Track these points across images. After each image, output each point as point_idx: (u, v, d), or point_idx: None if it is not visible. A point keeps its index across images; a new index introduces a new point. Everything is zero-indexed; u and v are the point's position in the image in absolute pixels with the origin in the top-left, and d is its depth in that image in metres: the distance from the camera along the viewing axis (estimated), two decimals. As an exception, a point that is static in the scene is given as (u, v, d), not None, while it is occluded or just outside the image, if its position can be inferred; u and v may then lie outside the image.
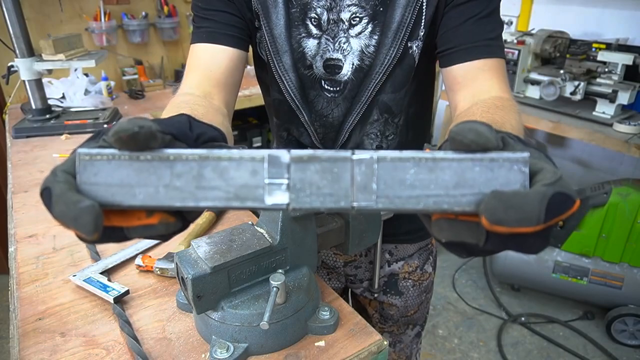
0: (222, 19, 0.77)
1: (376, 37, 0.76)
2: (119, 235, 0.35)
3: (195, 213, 0.39)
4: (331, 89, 0.81)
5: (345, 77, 0.79)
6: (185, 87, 0.75)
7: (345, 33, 0.77)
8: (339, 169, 0.32)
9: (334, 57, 0.78)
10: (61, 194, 0.31)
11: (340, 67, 0.78)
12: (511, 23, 2.65)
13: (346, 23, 0.76)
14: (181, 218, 0.37)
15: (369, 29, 0.76)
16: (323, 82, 0.81)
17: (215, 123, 0.52)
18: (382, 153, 0.32)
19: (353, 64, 0.78)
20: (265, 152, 0.33)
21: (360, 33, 0.76)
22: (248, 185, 0.33)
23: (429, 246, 1.03)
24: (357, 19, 0.75)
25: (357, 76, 0.79)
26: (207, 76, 0.76)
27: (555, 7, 2.46)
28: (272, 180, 0.33)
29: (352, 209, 0.33)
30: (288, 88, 0.82)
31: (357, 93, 0.80)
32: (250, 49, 0.84)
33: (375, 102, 0.81)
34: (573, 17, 2.38)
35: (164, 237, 0.38)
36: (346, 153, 0.33)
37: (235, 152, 0.33)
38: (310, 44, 0.78)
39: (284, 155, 0.33)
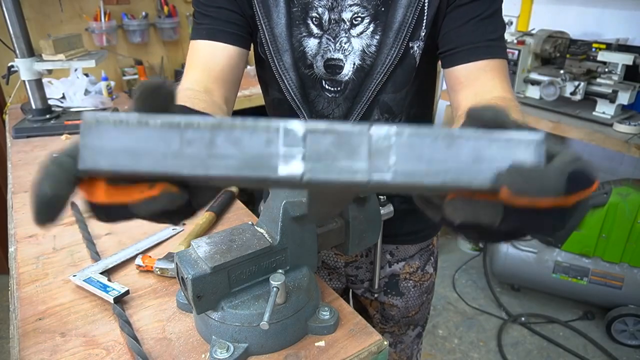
0: (222, 15, 0.77)
1: (378, 37, 0.76)
2: (123, 213, 0.34)
3: (204, 193, 0.37)
4: (332, 89, 0.81)
5: (346, 77, 0.79)
6: (185, 82, 0.75)
7: (346, 33, 0.76)
8: (355, 142, 0.31)
9: (334, 57, 0.78)
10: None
11: (341, 67, 0.78)
12: (511, 23, 2.65)
13: (347, 23, 0.76)
14: (187, 192, 0.35)
15: (371, 28, 0.76)
16: (324, 82, 0.81)
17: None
18: (400, 127, 0.31)
19: (354, 64, 0.78)
20: (280, 122, 0.32)
21: (361, 33, 0.76)
22: (262, 154, 0.31)
23: (430, 247, 1.03)
24: (359, 18, 0.75)
25: (358, 76, 0.79)
26: (207, 73, 0.76)
27: (555, 7, 2.46)
28: (287, 150, 0.31)
29: (368, 183, 0.31)
30: (288, 87, 0.82)
31: (357, 93, 0.80)
32: (252, 46, 0.84)
33: (376, 102, 0.81)
34: (573, 17, 2.38)
35: (171, 217, 0.35)
36: (363, 127, 0.31)
37: (250, 121, 0.32)
38: (311, 44, 0.78)
39: (300, 125, 0.31)
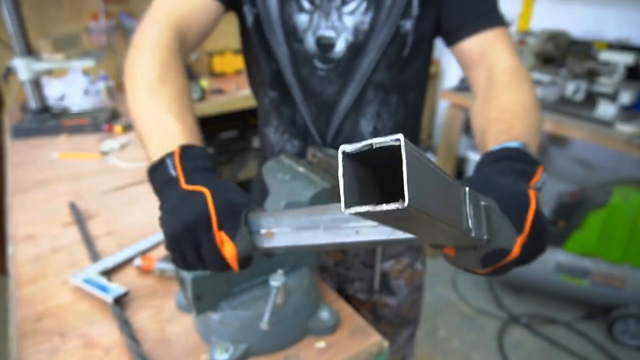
0: None
1: (370, 14, 0.78)
2: None
3: None
4: (324, 66, 0.82)
5: (339, 55, 0.80)
6: (156, 34, 0.69)
7: (338, 10, 0.78)
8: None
9: (326, 34, 0.79)
10: None
11: (333, 45, 0.80)
12: (512, 23, 2.65)
13: (338, 1, 0.77)
14: None
15: (363, 6, 0.77)
16: (316, 59, 0.81)
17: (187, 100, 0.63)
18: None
19: (347, 41, 0.79)
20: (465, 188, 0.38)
21: (354, 10, 0.78)
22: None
23: None
24: None
25: (351, 52, 0.80)
26: (178, 23, 0.72)
27: (556, 7, 2.45)
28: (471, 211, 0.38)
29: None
30: (282, 61, 0.83)
31: (350, 70, 0.82)
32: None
33: (370, 82, 0.82)
34: (574, 17, 2.37)
35: None
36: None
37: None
38: (302, 18, 0.79)
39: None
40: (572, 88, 2.05)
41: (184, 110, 0.62)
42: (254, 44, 0.85)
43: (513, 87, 0.69)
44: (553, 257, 2.12)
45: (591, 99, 2.05)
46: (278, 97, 0.88)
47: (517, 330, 2.18)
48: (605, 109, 2.00)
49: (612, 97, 1.97)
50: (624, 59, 1.93)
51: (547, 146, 2.67)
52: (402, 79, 0.84)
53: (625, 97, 1.93)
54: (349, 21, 0.78)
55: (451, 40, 0.80)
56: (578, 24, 2.34)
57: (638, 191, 1.93)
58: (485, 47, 0.76)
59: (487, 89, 0.72)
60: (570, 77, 2.05)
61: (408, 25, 0.79)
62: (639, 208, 1.92)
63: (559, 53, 2.21)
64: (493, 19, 0.77)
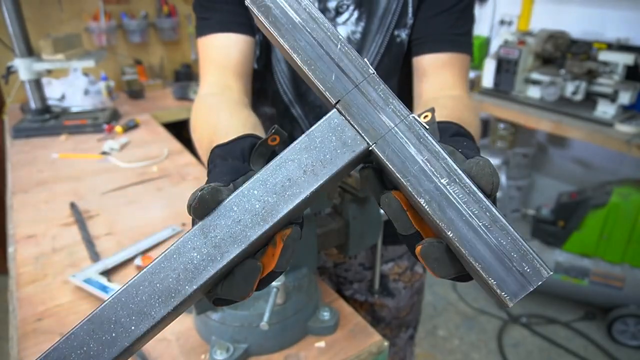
0: (229, 6, 0.77)
1: (362, 24, 0.78)
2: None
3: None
4: None
5: None
6: (205, 87, 0.75)
7: (332, 22, 0.78)
8: None
9: None
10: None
11: None
12: (511, 23, 2.65)
13: (332, 12, 0.78)
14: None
15: (355, 15, 0.78)
16: None
17: (243, 120, 0.59)
18: None
19: None
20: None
21: (346, 20, 0.78)
22: None
23: None
24: (344, 6, 0.77)
25: None
26: (223, 70, 0.76)
27: (555, 7, 2.46)
28: None
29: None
30: (280, 79, 0.83)
31: None
32: None
33: None
34: (574, 17, 2.38)
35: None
36: None
37: None
38: None
39: None
40: (572, 88, 2.06)
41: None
42: (260, 68, 0.86)
43: (459, 107, 0.67)
44: (552, 257, 2.13)
45: (591, 99, 2.05)
46: (275, 115, 0.89)
47: (517, 330, 2.18)
48: (605, 109, 2.00)
49: (612, 98, 1.97)
50: (623, 59, 1.93)
51: (547, 146, 2.67)
52: (399, 89, 0.83)
53: (625, 97, 1.93)
54: (342, 31, 0.78)
55: (413, 52, 0.79)
56: (577, 24, 2.34)
57: (637, 191, 1.94)
58: (440, 67, 0.75)
59: (435, 100, 0.71)
60: (569, 78, 2.06)
61: (404, 34, 0.78)
62: (638, 208, 1.92)
63: (558, 53, 2.21)
64: (460, 44, 0.75)
